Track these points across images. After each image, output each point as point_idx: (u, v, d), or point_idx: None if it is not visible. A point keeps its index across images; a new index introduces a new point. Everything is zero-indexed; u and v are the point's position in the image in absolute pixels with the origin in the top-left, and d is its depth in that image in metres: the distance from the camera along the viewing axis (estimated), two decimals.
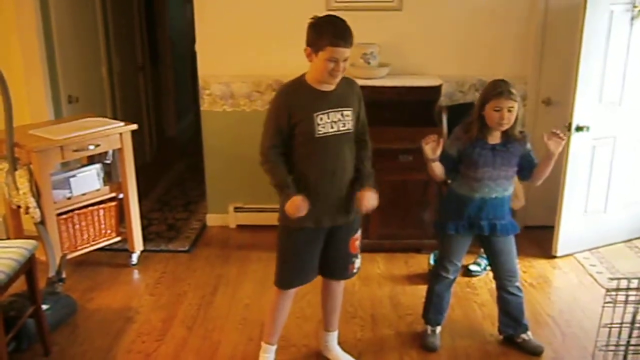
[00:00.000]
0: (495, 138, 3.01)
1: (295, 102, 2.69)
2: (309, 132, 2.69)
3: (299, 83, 2.75)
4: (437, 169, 3.07)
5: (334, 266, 3.00)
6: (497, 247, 3.15)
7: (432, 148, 3.00)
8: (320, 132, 2.70)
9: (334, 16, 2.66)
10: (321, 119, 2.69)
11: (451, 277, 3.25)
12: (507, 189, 3.09)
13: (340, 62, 2.61)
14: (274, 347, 3.11)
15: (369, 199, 2.83)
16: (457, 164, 3.09)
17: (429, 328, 3.33)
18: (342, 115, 2.74)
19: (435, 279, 3.30)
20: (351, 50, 2.63)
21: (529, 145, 3.06)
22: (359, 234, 3.01)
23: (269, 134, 2.75)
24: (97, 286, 3.95)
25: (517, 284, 3.22)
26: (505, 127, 2.94)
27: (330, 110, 2.71)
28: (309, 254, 2.89)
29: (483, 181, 3.02)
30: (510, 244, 3.17)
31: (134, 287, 3.98)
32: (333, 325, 3.18)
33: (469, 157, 3.02)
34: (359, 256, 3.05)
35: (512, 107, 2.89)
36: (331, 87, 2.73)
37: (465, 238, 3.17)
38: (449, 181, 3.20)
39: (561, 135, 2.93)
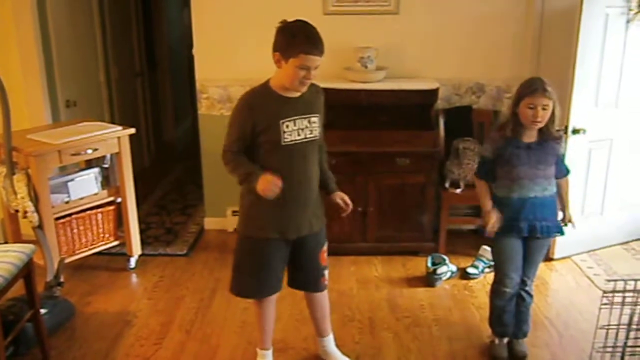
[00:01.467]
0: (530, 137, 2.97)
1: (260, 109, 2.62)
2: (274, 140, 2.63)
3: (264, 89, 2.68)
4: (486, 193, 3.11)
5: (306, 280, 2.98)
6: (529, 250, 3.10)
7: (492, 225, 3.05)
8: (286, 140, 2.64)
9: (305, 22, 2.59)
10: (287, 126, 2.63)
11: (510, 290, 3.11)
12: (547, 188, 3.02)
13: (312, 70, 2.55)
14: (269, 351, 3.11)
15: (347, 199, 2.89)
16: (493, 166, 3.07)
17: (497, 339, 3.26)
18: (309, 122, 2.69)
19: (494, 294, 3.19)
20: (322, 58, 2.56)
21: (562, 149, 3.04)
22: (326, 245, 2.98)
23: (231, 139, 2.68)
24: (95, 290, 3.95)
25: (528, 288, 3.17)
26: (539, 125, 2.90)
27: (296, 117, 2.66)
28: (275, 265, 2.85)
29: (519, 180, 2.98)
30: (542, 251, 3.13)
31: (132, 291, 3.98)
32: (326, 331, 3.16)
33: (503, 156, 2.99)
34: (327, 268, 3.03)
35: (546, 105, 2.86)
36: (297, 93, 2.67)
37: (514, 242, 3.08)
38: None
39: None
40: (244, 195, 2.83)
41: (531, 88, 2.89)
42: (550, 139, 2.97)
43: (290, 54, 2.52)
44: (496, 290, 3.17)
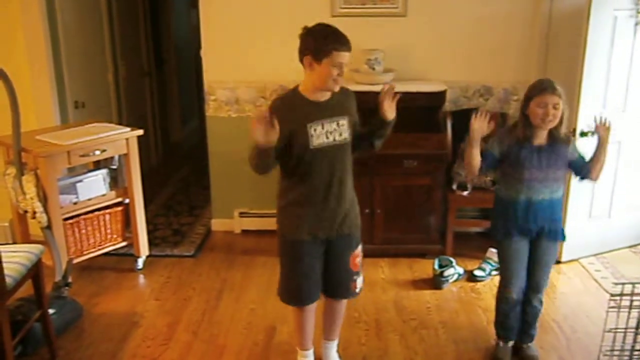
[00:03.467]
0: (540, 139, 2.95)
1: (287, 113, 2.65)
2: (303, 144, 2.66)
3: (292, 94, 2.74)
4: (476, 157, 2.97)
5: (336, 284, 2.95)
6: (537, 253, 3.08)
7: (481, 126, 2.91)
8: (314, 143, 2.67)
9: (327, 24, 2.65)
10: (315, 129, 2.67)
11: (514, 296, 3.10)
12: (555, 190, 3.02)
13: (343, 68, 2.61)
14: (309, 352, 3.12)
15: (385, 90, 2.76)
16: (497, 164, 3.04)
17: (500, 341, 3.26)
18: (337, 124, 2.72)
19: (499, 298, 3.20)
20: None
21: (576, 147, 3.03)
22: (359, 250, 2.96)
23: None
24: (103, 291, 3.96)
25: (540, 296, 3.16)
26: (551, 125, 2.88)
27: (324, 120, 2.69)
28: (311, 269, 2.85)
29: (528, 182, 2.96)
30: (551, 254, 3.11)
31: (140, 292, 4.00)
32: (333, 335, 3.16)
33: (514, 158, 2.97)
34: (361, 275, 3.01)
35: (557, 103, 2.85)
36: (326, 97, 2.71)
37: (519, 247, 3.07)
38: (494, 185, 3.13)
39: (606, 124, 2.96)
40: (280, 196, 2.85)
41: (541, 87, 2.89)
42: (559, 141, 2.96)
43: (324, 54, 2.57)
44: (501, 296, 3.17)
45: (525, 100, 2.94)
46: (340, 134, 2.73)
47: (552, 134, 2.95)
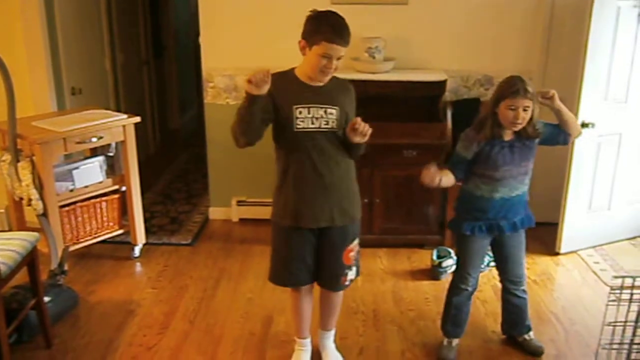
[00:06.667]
0: (509, 135, 2.90)
1: (277, 90, 2.60)
2: (287, 125, 2.63)
3: (287, 73, 2.71)
4: (447, 182, 2.90)
5: (326, 275, 2.91)
6: (507, 248, 3.06)
7: (432, 179, 2.83)
8: (299, 126, 2.64)
9: (334, 12, 2.60)
10: (300, 112, 2.63)
11: (470, 289, 3.10)
12: (527, 183, 2.98)
13: (334, 60, 2.55)
14: (306, 340, 3.10)
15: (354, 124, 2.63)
16: (471, 165, 2.96)
17: (446, 340, 3.22)
18: (325, 112, 2.66)
19: (453, 291, 3.15)
20: (346, 49, 2.57)
21: (543, 127, 2.93)
22: (354, 244, 2.90)
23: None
24: (99, 279, 3.94)
25: (523, 287, 3.16)
26: (519, 127, 2.83)
27: (312, 105, 2.64)
28: (297, 254, 2.82)
29: (504, 180, 2.91)
30: (523, 243, 3.10)
31: (136, 280, 3.98)
32: (328, 326, 3.14)
33: (487, 157, 2.89)
34: (354, 268, 2.95)
35: (527, 106, 2.78)
36: (320, 83, 2.67)
37: (484, 242, 3.05)
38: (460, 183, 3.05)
39: (546, 93, 2.88)
40: (276, 181, 2.83)
41: (512, 89, 2.78)
42: (526, 137, 2.90)
43: (314, 42, 2.54)
44: (456, 288, 3.12)
45: (496, 100, 2.85)
46: (327, 123, 2.67)
47: (520, 132, 2.88)
